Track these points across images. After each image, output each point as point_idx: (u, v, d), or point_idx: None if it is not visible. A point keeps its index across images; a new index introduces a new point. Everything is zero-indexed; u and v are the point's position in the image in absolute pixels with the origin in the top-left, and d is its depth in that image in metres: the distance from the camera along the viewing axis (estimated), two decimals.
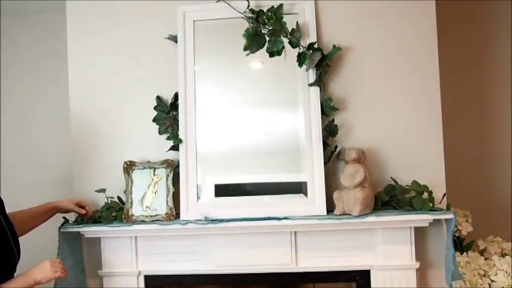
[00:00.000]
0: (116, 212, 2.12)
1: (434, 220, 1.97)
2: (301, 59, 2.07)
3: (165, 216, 2.05)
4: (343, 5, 2.17)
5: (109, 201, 2.15)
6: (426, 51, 2.14)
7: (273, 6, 2.07)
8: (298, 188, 2.09)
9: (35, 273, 1.64)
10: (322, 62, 2.07)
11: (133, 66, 2.24)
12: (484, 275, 2.11)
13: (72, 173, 2.26)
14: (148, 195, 2.10)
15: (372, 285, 2.05)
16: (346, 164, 2.01)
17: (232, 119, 2.15)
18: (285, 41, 2.05)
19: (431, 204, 2.00)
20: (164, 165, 2.11)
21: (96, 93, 2.26)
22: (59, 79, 2.61)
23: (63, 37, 2.31)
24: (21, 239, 1.77)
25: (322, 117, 2.09)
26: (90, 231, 2.07)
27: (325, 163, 2.07)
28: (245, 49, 2.04)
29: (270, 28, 2.04)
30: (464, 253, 2.20)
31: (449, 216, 1.94)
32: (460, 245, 2.27)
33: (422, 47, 2.14)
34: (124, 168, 2.13)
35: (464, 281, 2.06)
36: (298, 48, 2.07)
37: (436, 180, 2.09)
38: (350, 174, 1.98)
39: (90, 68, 2.27)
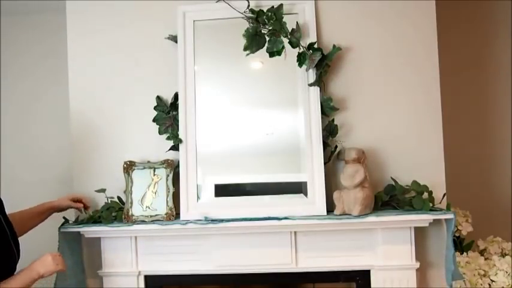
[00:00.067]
0: (116, 212, 2.12)
1: (434, 220, 1.97)
2: (301, 59, 2.07)
3: (165, 216, 2.05)
4: (343, 5, 2.17)
5: (109, 201, 2.15)
6: (426, 51, 2.14)
7: (273, 6, 2.07)
8: (298, 188, 2.09)
9: (38, 267, 1.64)
10: (322, 62, 2.07)
11: (133, 66, 2.24)
12: (484, 275, 2.11)
13: (72, 173, 2.26)
14: (148, 195, 2.10)
15: (372, 285, 2.05)
16: (346, 164, 2.01)
17: (232, 119, 2.15)
18: (285, 41, 2.05)
19: (431, 204, 2.00)
20: (164, 165, 2.11)
21: (96, 93, 2.26)
22: (59, 79, 2.61)
23: (63, 37, 2.31)
24: (21, 239, 1.77)
25: (322, 117, 2.09)
26: (90, 231, 2.07)
27: (325, 163, 2.07)
28: (245, 49, 2.04)
29: (270, 28, 2.04)
30: (464, 253, 2.20)
31: (449, 216, 1.94)
32: (460, 245, 2.27)
33: (422, 47, 2.14)
34: (124, 168, 2.12)
35: (464, 281, 2.06)
36: (298, 48, 2.07)
37: (436, 180, 2.09)
38: (350, 174, 1.98)
39: (90, 68, 2.27)
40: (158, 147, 2.18)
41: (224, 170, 2.15)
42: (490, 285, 2.09)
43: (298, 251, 2.06)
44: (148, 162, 2.15)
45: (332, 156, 2.11)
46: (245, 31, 2.05)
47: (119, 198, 2.17)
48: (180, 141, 2.13)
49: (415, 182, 2.05)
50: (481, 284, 2.08)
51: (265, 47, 2.05)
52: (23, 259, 1.73)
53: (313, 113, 2.09)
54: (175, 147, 2.15)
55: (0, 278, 1.60)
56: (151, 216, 2.06)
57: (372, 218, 1.95)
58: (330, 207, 2.03)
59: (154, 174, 2.12)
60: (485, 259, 2.17)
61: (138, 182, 2.11)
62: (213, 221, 1.99)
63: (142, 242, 2.11)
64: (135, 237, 2.10)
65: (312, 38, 2.11)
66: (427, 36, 2.14)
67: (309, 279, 2.13)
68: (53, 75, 2.72)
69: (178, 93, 2.16)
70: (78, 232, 2.09)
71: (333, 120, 2.13)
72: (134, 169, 2.13)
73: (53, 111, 2.74)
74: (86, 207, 2.08)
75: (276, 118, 2.14)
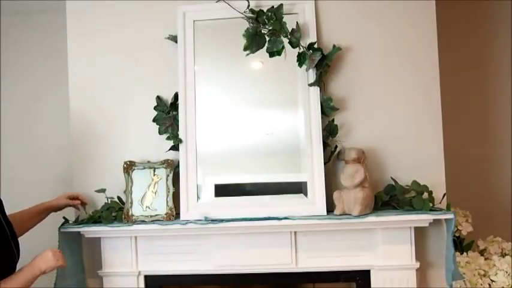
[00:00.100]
0: (116, 212, 2.12)
1: (434, 220, 1.97)
2: (301, 59, 2.07)
3: (165, 216, 2.05)
4: (343, 5, 2.17)
5: (109, 201, 2.15)
6: (426, 51, 2.14)
7: (273, 6, 2.07)
8: (298, 188, 2.09)
9: (39, 263, 1.65)
10: (322, 62, 2.07)
11: (133, 66, 2.25)
12: (484, 275, 2.11)
13: (72, 173, 2.26)
14: (148, 195, 2.10)
15: (372, 285, 2.05)
16: (346, 164, 2.01)
17: (232, 119, 2.15)
18: (285, 41, 2.05)
19: (431, 204, 2.00)
20: (164, 165, 2.11)
21: (96, 93, 2.26)
22: (59, 79, 2.61)
23: (63, 37, 2.31)
24: (21, 239, 1.77)
25: (322, 117, 2.09)
26: (90, 231, 2.07)
27: (325, 163, 2.07)
28: (245, 49, 2.04)
29: (270, 28, 2.04)
30: (464, 253, 2.20)
31: (449, 216, 1.94)
32: (460, 245, 2.27)
33: (422, 47, 2.14)
34: (124, 168, 2.12)
35: (464, 281, 2.06)
36: (298, 48, 2.07)
37: (436, 180, 2.09)
38: (350, 174, 1.98)
39: (90, 68, 2.27)
40: (158, 147, 2.18)
41: (224, 170, 2.15)
42: (490, 285, 2.09)
43: (298, 251, 2.06)
44: (148, 162, 2.15)
45: (332, 156, 2.11)
46: (245, 31, 2.05)
47: (119, 198, 2.17)
48: (180, 141, 2.13)
49: (415, 182, 2.05)
50: (481, 284, 2.08)
51: (265, 47, 2.05)
52: (23, 259, 1.72)
53: (313, 113, 2.09)
54: (175, 147, 2.15)
55: (0, 278, 1.59)
56: (151, 216, 2.06)
57: (372, 218, 1.95)
58: (330, 207, 2.03)
59: (154, 174, 2.12)
60: (485, 259, 2.17)
61: (138, 182, 2.11)
62: (213, 221, 1.99)
63: (142, 242, 2.11)
64: (135, 237, 2.10)
65: (312, 38, 2.11)
66: (427, 36, 2.14)
67: (309, 279, 2.13)
68: (53, 75, 2.72)
69: (178, 93, 2.16)
70: (78, 232, 2.09)
71: (333, 120, 2.13)
72: (134, 169, 2.13)
73: (53, 111, 2.73)
74: (83, 204, 2.08)
75: (276, 118, 2.14)
